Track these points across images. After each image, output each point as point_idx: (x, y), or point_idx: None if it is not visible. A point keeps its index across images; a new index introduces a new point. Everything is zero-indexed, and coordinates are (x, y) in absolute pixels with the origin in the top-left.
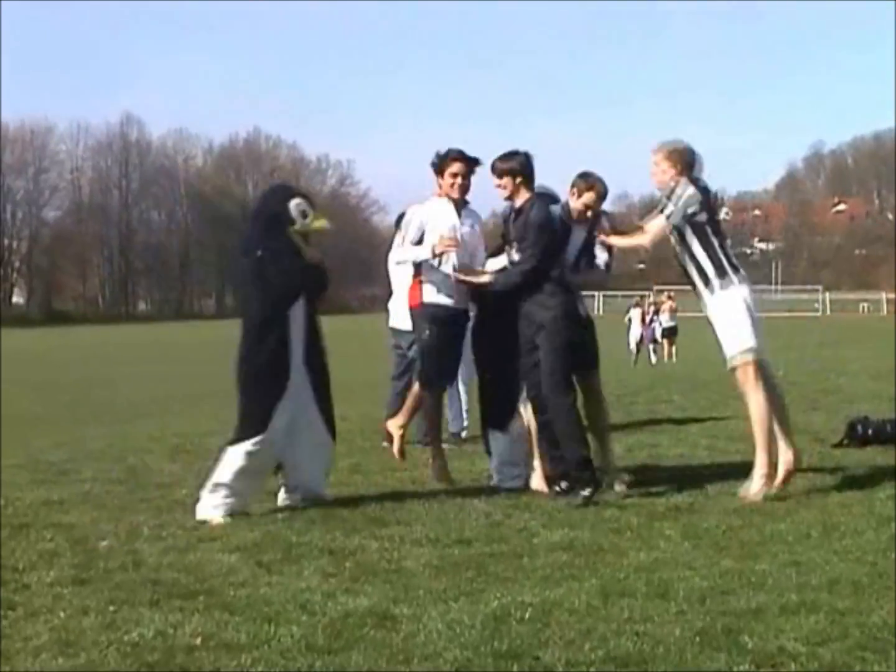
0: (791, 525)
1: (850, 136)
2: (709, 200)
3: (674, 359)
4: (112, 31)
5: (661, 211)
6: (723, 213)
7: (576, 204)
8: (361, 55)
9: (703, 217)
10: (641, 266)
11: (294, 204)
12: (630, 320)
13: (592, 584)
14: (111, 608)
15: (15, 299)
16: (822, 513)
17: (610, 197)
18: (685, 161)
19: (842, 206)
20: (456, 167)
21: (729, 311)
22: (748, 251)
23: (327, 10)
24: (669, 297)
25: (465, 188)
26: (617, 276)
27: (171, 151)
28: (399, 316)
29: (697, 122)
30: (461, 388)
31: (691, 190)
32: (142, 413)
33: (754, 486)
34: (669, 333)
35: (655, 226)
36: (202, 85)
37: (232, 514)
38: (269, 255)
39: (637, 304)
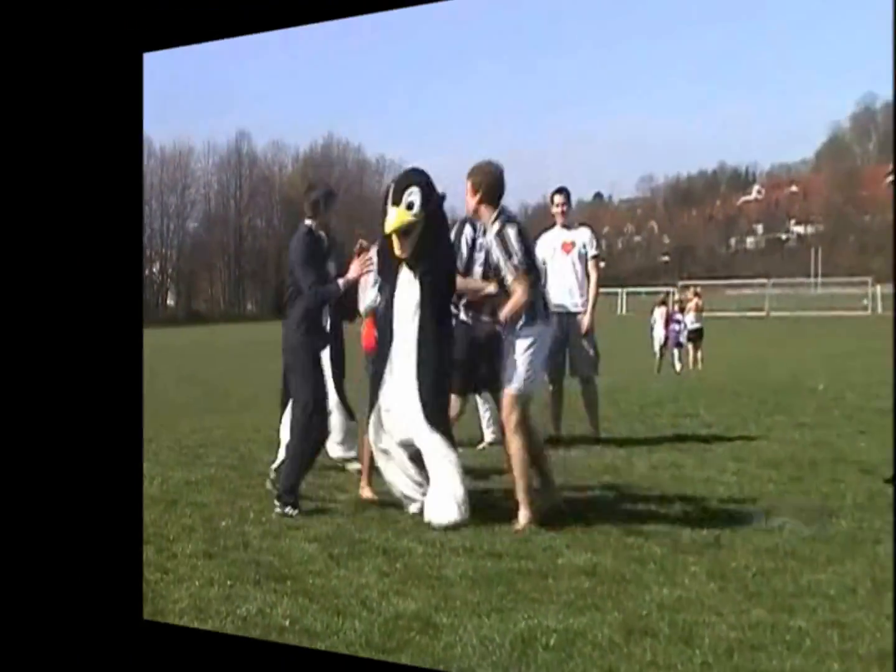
0: (833, 576)
1: None
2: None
3: (699, 365)
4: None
5: (516, 267)
6: (754, 193)
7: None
8: (410, 58)
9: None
10: (665, 258)
11: None
12: (655, 321)
13: (615, 617)
14: (228, 583)
15: (169, 302)
16: (872, 564)
17: (634, 180)
18: (491, 189)
19: None
20: None
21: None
22: (783, 236)
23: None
24: (696, 294)
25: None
26: (640, 271)
27: (269, 162)
28: None
29: (724, 84)
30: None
31: (514, 231)
32: (249, 406)
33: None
34: (695, 336)
35: (522, 284)
36: (292, 96)
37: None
38: None
39: (662, 302)
